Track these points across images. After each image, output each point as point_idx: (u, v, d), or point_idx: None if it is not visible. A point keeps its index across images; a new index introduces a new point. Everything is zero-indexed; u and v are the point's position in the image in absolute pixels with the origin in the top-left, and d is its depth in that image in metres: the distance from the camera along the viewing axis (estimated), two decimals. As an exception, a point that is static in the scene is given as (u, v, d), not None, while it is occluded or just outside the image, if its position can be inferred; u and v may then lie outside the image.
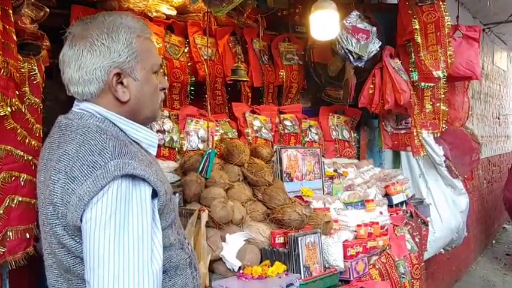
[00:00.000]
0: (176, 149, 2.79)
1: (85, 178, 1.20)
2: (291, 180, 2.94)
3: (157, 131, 2.70)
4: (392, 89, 3.25)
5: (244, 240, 2.40)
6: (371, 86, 3.34)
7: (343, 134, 3.66)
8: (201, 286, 1.72)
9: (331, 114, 3.67)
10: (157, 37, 3.11)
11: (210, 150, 2.61)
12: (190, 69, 3.28)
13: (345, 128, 3.69)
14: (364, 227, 2.77)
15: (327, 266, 2.43)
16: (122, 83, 1.35)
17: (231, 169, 2.70)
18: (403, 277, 2.88)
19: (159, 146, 2.66)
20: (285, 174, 2.91)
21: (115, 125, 1.40)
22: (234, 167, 2.70)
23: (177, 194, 2.55)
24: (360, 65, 3.16)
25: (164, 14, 3.16)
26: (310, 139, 3.50)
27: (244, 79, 3.02)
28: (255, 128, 3.21)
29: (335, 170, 3.35)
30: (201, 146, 2.86)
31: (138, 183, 1.25)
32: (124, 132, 1.42)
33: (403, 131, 3.63)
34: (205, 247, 2.28)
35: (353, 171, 3.52)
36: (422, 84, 3.38)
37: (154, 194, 1.31)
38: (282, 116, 3.44)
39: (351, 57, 3.10)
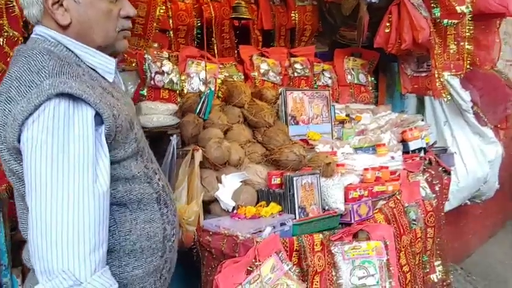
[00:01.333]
0: (177, 91, 2.73)
1: (21, 98, 1.16)
2: (297, 123, 2.83)
3: (156, 73, 2.64)
4: (409, 27, 3.02)
5: (241, 182, 2.34)
6: (387, 24, 3.11)
7: (359, 78, 3.47)
8: (178, 224, 1.68)
9: (346, 57, 3.48)
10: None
11: (208, 91, 2.54)
12: (196, 11, 3.18)
13: (362, 72, 3.50)
14: (372, 171, 2.65)
15: (326, 208, 2.35)
16: (62, 4, 1.29)
17: (231, 110, 2.62)
18: (413, 223, 2.75)
19: (158, 88, 2.63)
20: (290, 117, 2.80)
21: (69, 49, 1.35)
22: (234, 109, 2.62)
23: (174, 136, 2.52)
24: (374, 1, 2.94)
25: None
26: (322, 83, 3.35)
27: (246, 17, 2.88)
28: (261, 71, 3.09)
29: (347, 115, 3.20)
30: (202, 88, 2.79)
31: (79, 104, 1.19)
32: (80, 58, 1.37)
33: (423, 74, 3.39)
34: (199, 187, 2.25)
35: (368, 117, 3.36)
36: (445, 21, 3.12)
37: (101, 120, 1.26)
38: (292, 59, 3.29)
39: (364, -7, 2.88)
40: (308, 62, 3.33)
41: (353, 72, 3.46)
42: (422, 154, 3.26)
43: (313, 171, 2.32)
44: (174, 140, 2.52)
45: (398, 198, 2.71)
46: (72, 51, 1.34)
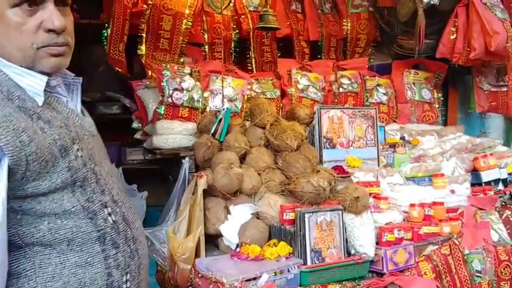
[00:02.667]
0: (199, 109, 2.50)
1: None
2: (333, 147, 2.43)
3: (175, 89, 2.44)
4: (480, 32, 2.47)
5: (252, 214, 2.03)
6: (452, 29, 2.59)
7: (422, 94, 2.95)
8: (144, 267, 1.41)
9: (406, 70, 2.99)
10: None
11: (225, 109, 2.27)
12: (235, 23, 2.95)
13: (425, 87, 2.98)
14: (419, 208, 2.16)
15: (352, 252, 1.93)
16: None
17: (253, 131, 2.32)
18: (477, 276, 2.19)
19: (177, 106, 2.43)
20: (324, 140, 2.41)
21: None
22: (257, 130, 2.31)
23: (186, 159, 2.28)
24: (432, 3, 2.46)
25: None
26: (376, 100, 2.90)
27: (273, 26, 2.58)
28: (300, 86, 2.75)
29: (402, 137, 2.71)
30: (229, 106, 2.53)
31: None
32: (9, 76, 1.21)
33: (504, 89, 2.78)
34: (199, 218, 1.97)
35: (432, 140, 2.82)
36: (531, 23, 2.52)
37: None
38: (340, 73, 2.90)
39: (420, -8, 2.42)
40: (359, 76, 2.91)
41: (414, 88, 2.95)
42: (500, 187, 2.64)
43: (335, 207, 1.92)
44: (186, 163, 2.29)
45: (457, 242, 2.18)
46: (4, 72, 1.19)
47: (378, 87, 2.92)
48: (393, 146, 2.58)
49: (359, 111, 2.50)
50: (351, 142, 2.47)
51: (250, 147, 2.28)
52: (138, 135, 2.68)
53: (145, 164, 2.91)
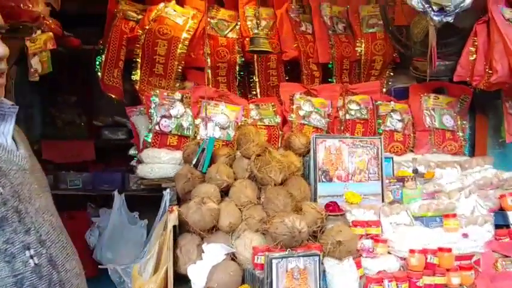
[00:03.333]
0: (190, 137, 2.38)
1: None
2: (329, 180, 2.20)
3: (163, 116, 2.34)
4: (503, 52, 2.16)
5: (226, 254, 1.85)
6: (472, 48, 2.29)
7: (444, 121, 2.64)
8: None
9: (425, 94, 2.70)
10: (196, 12, 2.75)
11: (207, 139, 2.13)
12: (240, 46, 2.83)
13: (448, 113, 2.67)
14: (419, 254, 1.88)
15: (333, 305, 1.70)
16: None
17: (239, 163, 2.16)
18: (493, 338, 1.87)
19: (165, 134, 2.32)
20: (320, 172, 2.19)
21: None
22: (243, 160, 2.15)
23: (167, 190, 2.16)
24: (446, 20, 2.19)
25: (209, -14, 2.78)
26: (389, 127, 2.63)
27: (264, 49, 2.42)
28: (301, 113, 2.55)
29: (415, 170, 2.43)
30: (218, 134, 2.39)
31: None
32: None
33: (539, 116, 2.42)
34: (166, 257, 1.83)
35: (454, 173, 2.51)
36: None
37: None
38: (348, 97, 2.67)
39: (431, 10, 2.17)
40: (370, 101, 2.66)
41: (434, 114, 2.65)
42: (531, 230, 2.28)
43: (311, 252, 1.70)
44: (167, 195, 2.17)
45: (468, 297, 1.87)
46: None
47: (392, 113, 2.65)
48: (402, 179, 2.30)
49: (360, 141, 2.26)
50: (350, 175, 2.23)
51: (235, 179, 2.12)
52: (133, 163, 2.61)
53: (146, 191, 2.83)
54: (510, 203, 2.29)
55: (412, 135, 2.66)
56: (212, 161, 2.18)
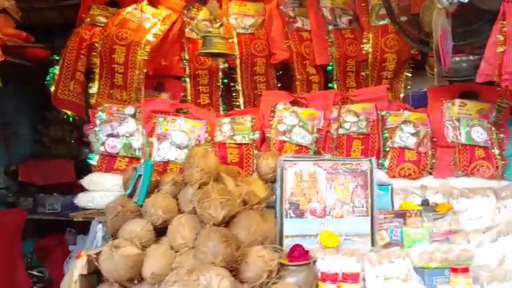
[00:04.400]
0: (141, 159, 2.00)
1: None
2: (300, 215, 1.70)
3: (109, 135, 1.98)
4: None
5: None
6: (499, 37, 1.67)
7: (473, 135, 2.01)
8: None
9: (448, 100, 2.08)
10: (170, 13, 2.39)
11: (144, 162, 1.74)
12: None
13: (479, 124, 2.02)
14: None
15: None
16: None
17: (184, 193, 1.73)
18: None
19: (113, 156, 1.98)
20: (287, 205, 1.70)
21: None
22: (189, 190, 1.72)
23: (99, 226, 1.80)
24: (460, 1, 1.61)
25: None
26: (398, 144, 2.05)
27: (219, 51, 1.97)
28: (281, 127, 2.06)
29: (425, 201, 1.83)
30: (174, 155, 1.98)
31: None
32: None
33: None
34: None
35: (486, 204, 1.87)
36: None
37: None
38: (346, 107, 2.14)
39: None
40: (374, 111, 2.10)
41: (460, 125, 2.02)
42: None
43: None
44: (99, 231, 1.81)
45: None
46: None
47: (403, 126, 2.07)
48: (403, 215, 1.73)
49: (344, 164, 1.73)
50: (328, 209, 1.71)
51: (178, 214, 1.70)
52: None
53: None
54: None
55: (430, 153, 2.05)
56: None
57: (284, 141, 2.05)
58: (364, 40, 2.33)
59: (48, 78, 2.24)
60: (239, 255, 1.47)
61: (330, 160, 1.75)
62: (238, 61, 2.37)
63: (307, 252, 1.60)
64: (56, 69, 2.24)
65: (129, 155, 2.00)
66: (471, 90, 2.10)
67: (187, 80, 2.43)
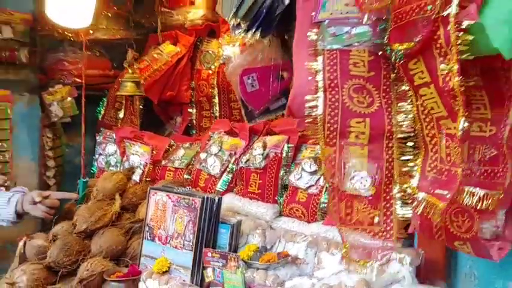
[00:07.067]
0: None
1: None
2: (152, 238, 1.92)
3: (100, 155, 2.62)
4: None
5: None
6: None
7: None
8: None
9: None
10: (180, 49, 2.84)
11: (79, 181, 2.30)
12: (216, 78, 2.71)
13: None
14: None
15: None
16: None
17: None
18: None
19: (102, 171, 2.65)
20: (147, 228, 1.95)
21: None
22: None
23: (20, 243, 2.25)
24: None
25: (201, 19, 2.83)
26: (292, 183, 1.89)
27: (133, 93, 2.23)
28: (202, 156, 2.22)
29: (262, 249, 1.69)
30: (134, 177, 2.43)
31: None
32: None
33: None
34: None
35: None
36: None
37: None
38: (263, 138, 2.09)
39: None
40: (282, 144, 1.98)
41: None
42: None
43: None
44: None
45: None
46: None
47: (304, 162, 1.89)
48: (225, 256, 1.70)
49: (183, 199, 1.84)
50: (169, 238, 1.88)
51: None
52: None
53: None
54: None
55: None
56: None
57: (200, 170, 2.22)
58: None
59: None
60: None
61: (176, 193, 1.88)
62: (217, 89, 2.59)
63: (138, 272, 1.85)
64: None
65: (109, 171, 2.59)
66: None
67: (194, 105, 2.80)
